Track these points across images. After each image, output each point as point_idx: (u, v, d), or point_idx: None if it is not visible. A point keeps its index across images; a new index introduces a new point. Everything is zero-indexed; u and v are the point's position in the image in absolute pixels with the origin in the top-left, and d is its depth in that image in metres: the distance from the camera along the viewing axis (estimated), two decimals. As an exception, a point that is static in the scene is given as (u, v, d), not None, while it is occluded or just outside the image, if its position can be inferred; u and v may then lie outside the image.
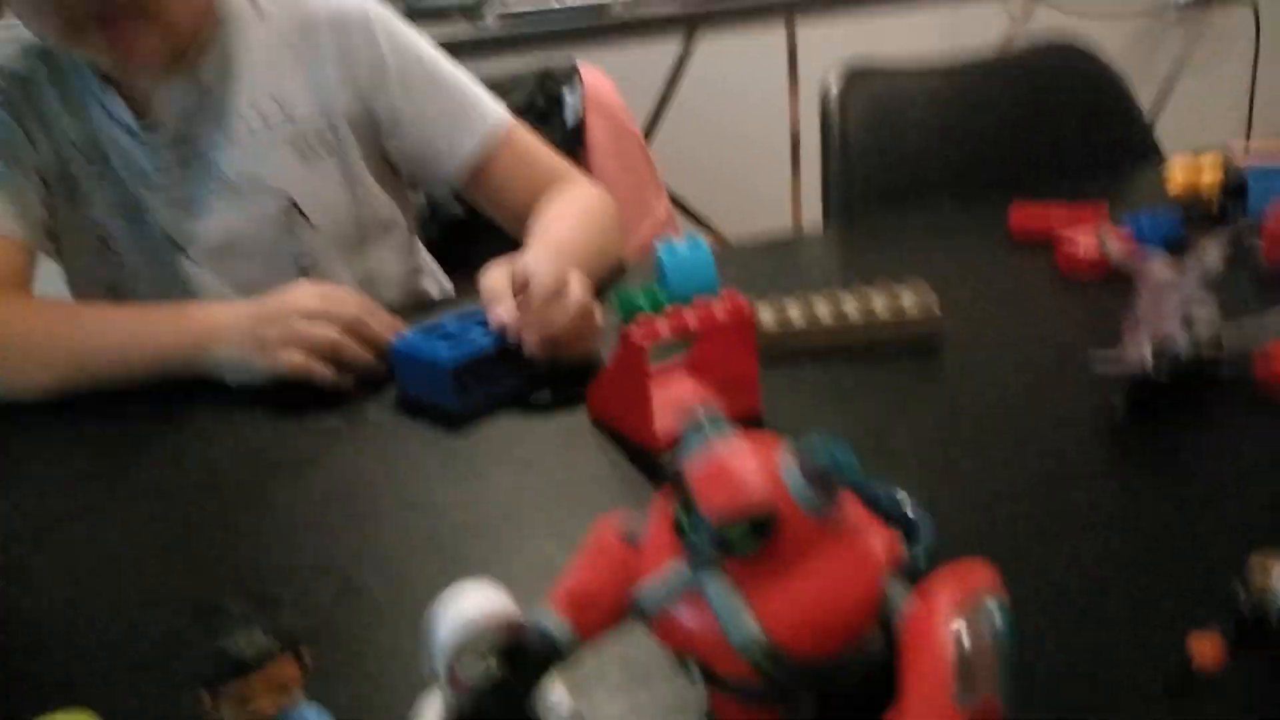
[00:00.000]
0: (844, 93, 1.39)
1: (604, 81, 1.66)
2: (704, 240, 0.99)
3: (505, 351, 0.82)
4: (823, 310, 0.89)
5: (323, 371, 0.85)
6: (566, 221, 1.04)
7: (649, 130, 2.09)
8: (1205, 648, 0.34)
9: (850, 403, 0.79)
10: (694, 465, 0.35)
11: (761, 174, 2.01)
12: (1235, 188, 1.05)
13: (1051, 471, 0.66)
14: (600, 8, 2.01)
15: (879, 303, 0.90)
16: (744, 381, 0.77)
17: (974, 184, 1.34)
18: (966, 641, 0.31)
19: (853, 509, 0.36)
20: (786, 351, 0.86)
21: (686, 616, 0.34)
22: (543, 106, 1.64)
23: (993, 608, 0.33)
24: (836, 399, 0.80)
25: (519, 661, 0.38)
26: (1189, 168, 1.14)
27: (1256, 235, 0.95)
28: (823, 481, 0.34)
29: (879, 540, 0.35)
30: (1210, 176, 1.09)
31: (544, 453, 0.75)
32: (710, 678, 0.36)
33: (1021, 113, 1.45)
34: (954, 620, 0.32)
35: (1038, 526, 0.59)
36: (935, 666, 0.31)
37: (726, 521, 0.33)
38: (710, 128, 2.07)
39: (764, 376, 0.76)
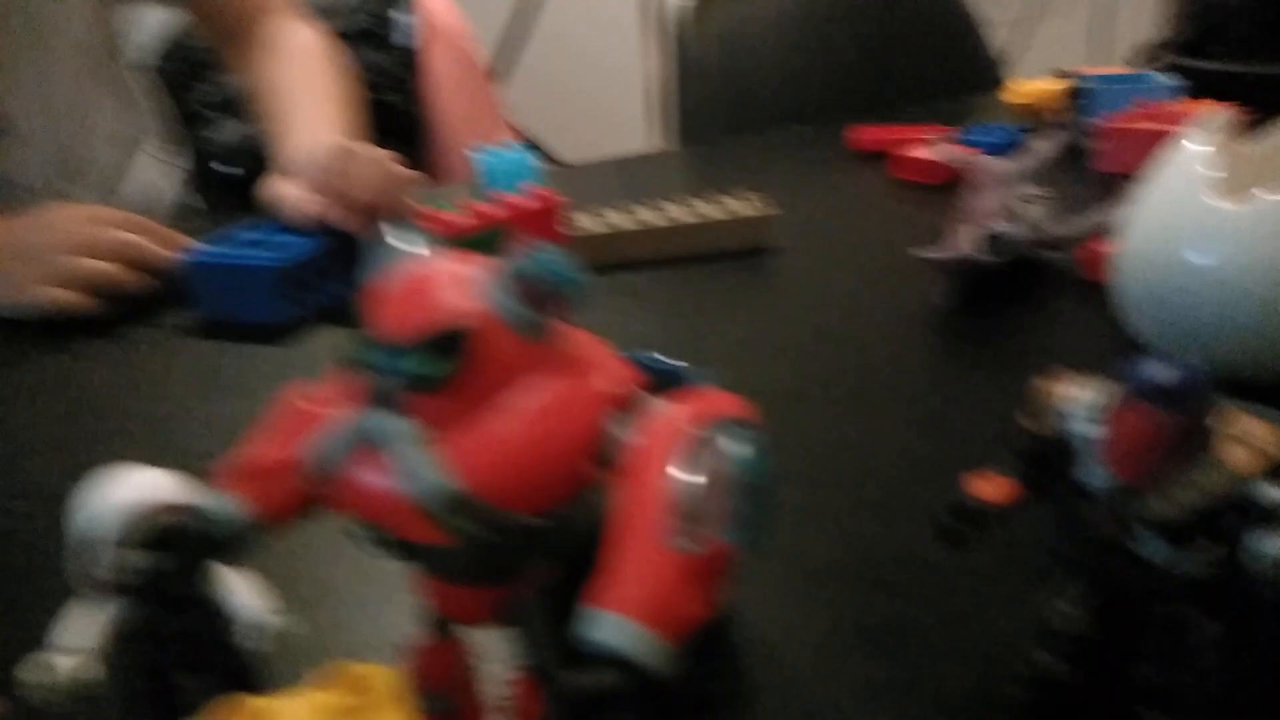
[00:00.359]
0: (693, 14, 1.33)
1: (446, 9, 1.56)
2: (530, 156, 0.92)
3: (330, 253, 0.75)
4: (647, 215, 0.83)
5: (90, 304, 0.75)
6: (315, 93, 0.96)
7: (501, 64, 1.99)
8: (988, 486, 0.29)
9: (676, 308, 0.74)
10: (374, 284, 0.28)
11: (618, 108, 1.94)
12: (1077, 99, 1.04)
13: (877, 362, 0.62)
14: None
15: (709, 208, 0.84)
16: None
17: (822, 107, 1.30)
18: (690, 475, 0.25)
19: (578, 337, 0.29)
20: (615, 258, 0.80)
21: (361, 472, 0.27)
22: (370, 27, 1.53)
23: (729, 439, 0.27)
24: (662, 305, 0.75)
25: (181, 550, 0.30)
26: (1031, 86, 1.13)
27: (1090, 138, 0.94)
28: (534, 295, 0.27)
29: (606, 372, 0.29)
30: (1051, 91, 1.08)
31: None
32: (411, 553, 0.29)
33: (870, 39, 1.42)
34: (676, 452, 0.26)
35: (864, 412, 0.56)
36: (645, 505, 0.25)
37: (404, 342, 0.26)
38: (565, 60, 1.99)
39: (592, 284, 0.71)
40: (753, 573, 0.44)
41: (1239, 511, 0.25)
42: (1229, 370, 0.40)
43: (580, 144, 1.93)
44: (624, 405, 0.28)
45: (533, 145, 1.70)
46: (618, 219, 0.83)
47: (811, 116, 1.25)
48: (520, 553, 0.28)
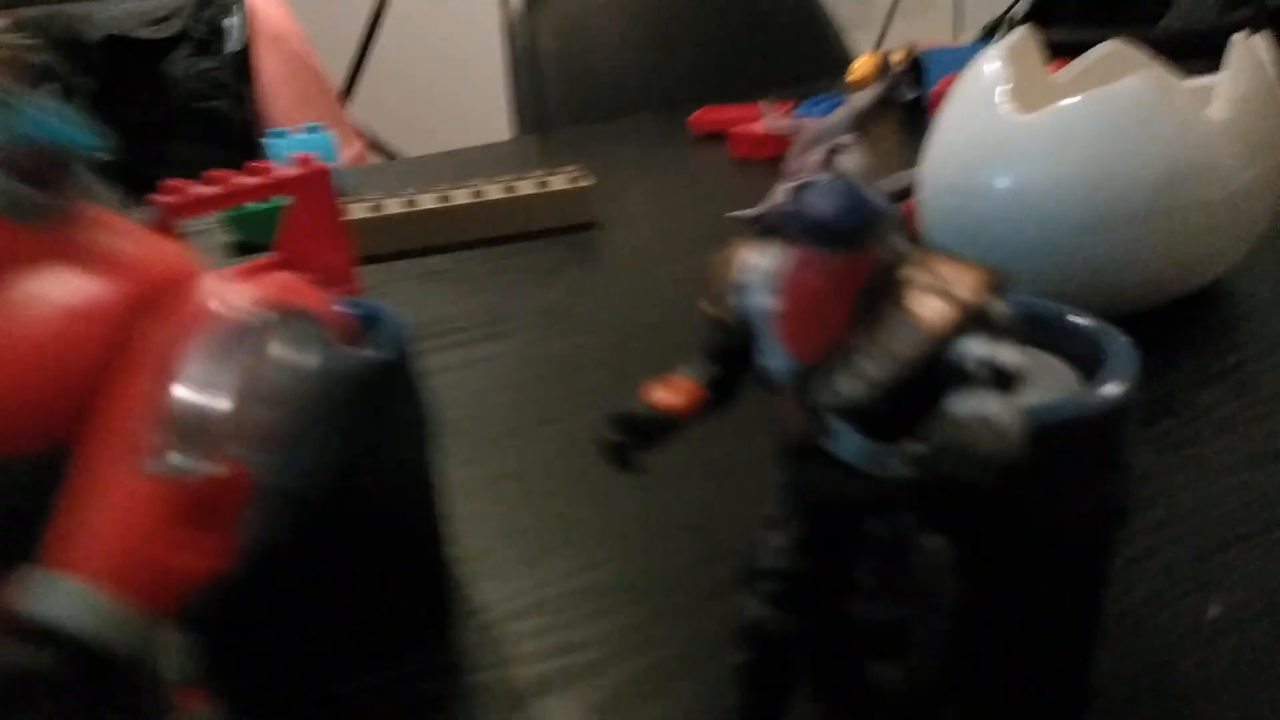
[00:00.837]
0: (528, 5, 1.28)
1: (277, 12, 1.48)
2: (323, 127, 0.85)
3: None
4: (457, 196, 0.77)
5: None
6: None
7: (358, 65, 1.91)
8: (664, 391, 0.23)
9: (481, 285, 0.68)
10: None
11: (477, 105, 1.87)
12: (913, 68, 1.02)
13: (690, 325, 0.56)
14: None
15: (526, 186, 0.78)
16: (339, 272, 0.63)
17: (668, 98, 1.26)
18: (200, 373, 0.18)
19: (115, 224, 0.22)
20: (423, 241, 0.74)
21: None
22: (203, 35, 1.44)
23: (289, 336, 0.20)
24: (467, 283, 0.68)
25: None
26: (869, 61, 1.10)
27: (920, 98, 0.92)
28: (34, 167, 0.20)
29: (144, 266, 0.22)
30: (876, 61, 1.06)
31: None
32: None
33: (718, 30, 1.38)
34: (192, 343, 0.19)
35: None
36: (122, 413, 0.18)
37: None
38: (422, 59, 1.92)
39: (392, 269, 0.70)
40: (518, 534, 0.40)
41: (941, 382, 0.19)
42: (1041, 288, 0.35)
43: (440, 143, 1.85)
44: (163, 306, 0.21)
45: (379, 145, 1.62)
46: (424, 200, 0.76)
47: (656, 107, 1.20)
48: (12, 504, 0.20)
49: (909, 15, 2.38)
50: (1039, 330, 0.28)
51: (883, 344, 0.20)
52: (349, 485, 0.31)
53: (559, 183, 0.78)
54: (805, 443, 0.21)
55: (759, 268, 0.22)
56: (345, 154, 1.46)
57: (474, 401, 0.50)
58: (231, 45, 1.43)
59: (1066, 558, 0.24)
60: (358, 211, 0.75)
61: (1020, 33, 0.53)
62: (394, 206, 0.75)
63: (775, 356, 0.21)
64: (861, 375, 0.20)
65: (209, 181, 0.58)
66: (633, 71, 1.33)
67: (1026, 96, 0.50)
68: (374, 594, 0.33)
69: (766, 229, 0.19)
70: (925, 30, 2.33)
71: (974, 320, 0.19)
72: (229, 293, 0.20)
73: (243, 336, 0.19)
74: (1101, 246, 0.46)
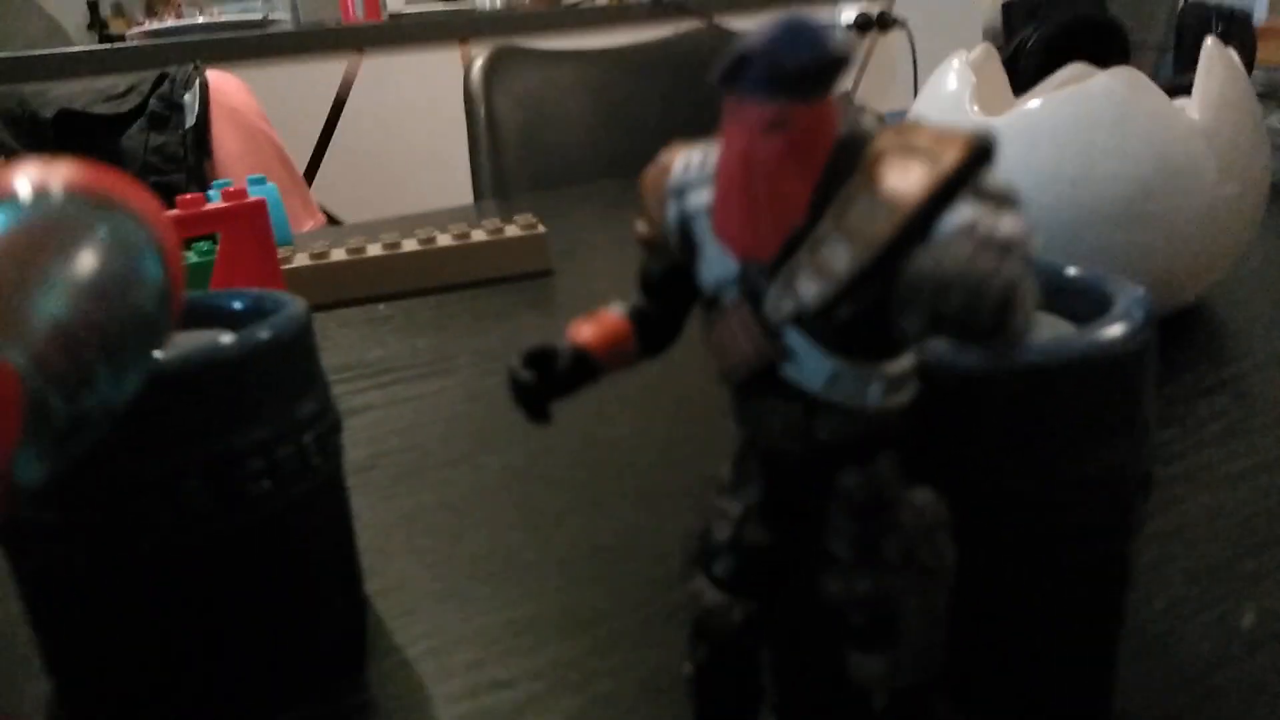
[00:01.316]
0: (489, 74, 1.27)
1: (233, 88, 1.47)
2: (274, 186, 0.82)
3: None
4: (408, 244, 0.73)
5: None
6: None
7: (321, 146, 1.90)
8: (588, 327, 0.19)
9: (426, 329, 0.63)
10: None
11: (439, 187, 1.85)
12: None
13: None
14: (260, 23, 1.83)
15: (479, 233, 0.75)
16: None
17: (623, 166, 1.24)
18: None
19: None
20: (372, 288, 0.70)
21: None
22: (160, 110, 1.42)
23: (87, 227, 0.16)
24: (412, 328, 0.63)
25: None
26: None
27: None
28: None
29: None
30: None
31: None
32: None
33: (670, 98, 1.38)
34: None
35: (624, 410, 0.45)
36: None
37: None
38: (389, 142, 1.91)
39: (336, 315, 0.68)
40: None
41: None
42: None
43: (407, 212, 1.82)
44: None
45: (338, 221, 1.59)
46: (371, 248, 0.73)
47: (614, 173, 1.19)
48: None
49: (869, 90, 2.43)
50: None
51: (851, 228, 0.16)
52: (254, 508, 0.26)
53: (513, 230, 0.75)
54: (759, 372, 0.17)
55: (697, 163, 0.18)
56: (306, 227, 1.43)
57: (405, 436, 0.45)
58: (189, 120, 1.41)
59: (1082, 526, 0.20)
60: (302, 259, 0.71)
61: (981, 48, 0.51)
62: (340, 254, 0.72)
63: (719, 263, 0.17)
64: (826, 270, 0.16)
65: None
66: (590, 143, 1.32)
67: (991, 108, 0.47)
68: (283, 629, 0.28)
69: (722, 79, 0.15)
70: (886, 105, 2.37)
71: (960, 189, 0.15)
72: (40, 171, 0.16)
73: (42, 218, 0.15)
74: (1080, 254, 0.43)
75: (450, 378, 0.53)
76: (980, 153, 0.15)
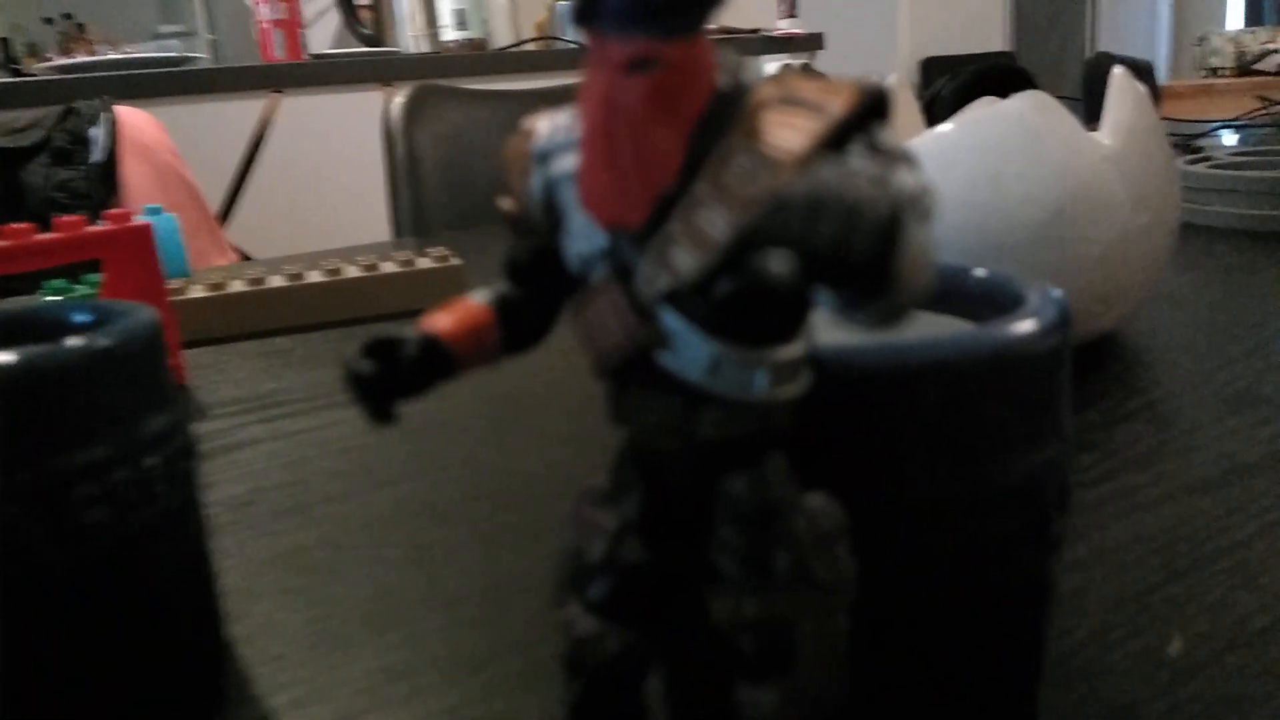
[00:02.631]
0: (410, 112, 1.25)
1: (144, 123, 1.43)
2: (173, 216, 0.78)
3: None
4: (315, 275, 0.70)
5: None
6: None
7: (239, 182, 1.84)
8: (443, 316, 0.16)
9: (326, 361, 0.59)
10: None
11: (361, 229, 1.82)
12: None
13: (544, 386, 0.50)
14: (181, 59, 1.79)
15: (389, 265, 0.72)
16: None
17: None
18: None
19: None
20: (275, 321, 0.67)
21: None
22: (64, 144, 1.37)
23: None
24: (312, 361, 0.60)
25: None
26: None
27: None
28: None
29: None
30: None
31: None
32: None
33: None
34: None
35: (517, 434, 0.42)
36: None
37: None
38: (307, 183, 1.87)
39: (231, 348, 0.64)
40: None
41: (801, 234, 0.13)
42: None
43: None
44: None
45: (247, 256, 1.55)
46: (272, 279, 0.69)
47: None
48: None
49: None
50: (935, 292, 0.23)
51: (728, 189, 0.14)
52: (87, 541, 0.23)
53: (426, 263, 0.72)
54: (632, 360, 0.15)
55: (564, 126, 0.16)
56: (217, 263, 1.38)
57: (290, 470, 0.42)
58: (96, 155, 1.36)
59: (997, 541, 0.18)
60: (197, 291, 0.67)
61: (894, 77, 0.50)
62: (238, 285, 0.68)
63: (585, 235, 0.15)
64: (702, 238, 0.14)
65: (4, 236, 0.50)
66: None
67: (903, 135, 0.47)
68: (124, 678, 0.25)
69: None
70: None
71: (849, 144, 0.13)
72: None
73: None
74: (997, 278, 0.42)
75: (346, 410, 0.50)
76: (871, 102, 0.13)
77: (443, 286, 0.71)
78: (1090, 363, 0.47)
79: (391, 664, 0.28)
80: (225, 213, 1.83)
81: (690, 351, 0.15)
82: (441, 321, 0.16)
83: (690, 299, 0.14)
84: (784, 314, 0.14)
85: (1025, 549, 0.19)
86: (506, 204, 0.17)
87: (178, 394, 0.28)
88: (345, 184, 1.87)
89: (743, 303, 0.14)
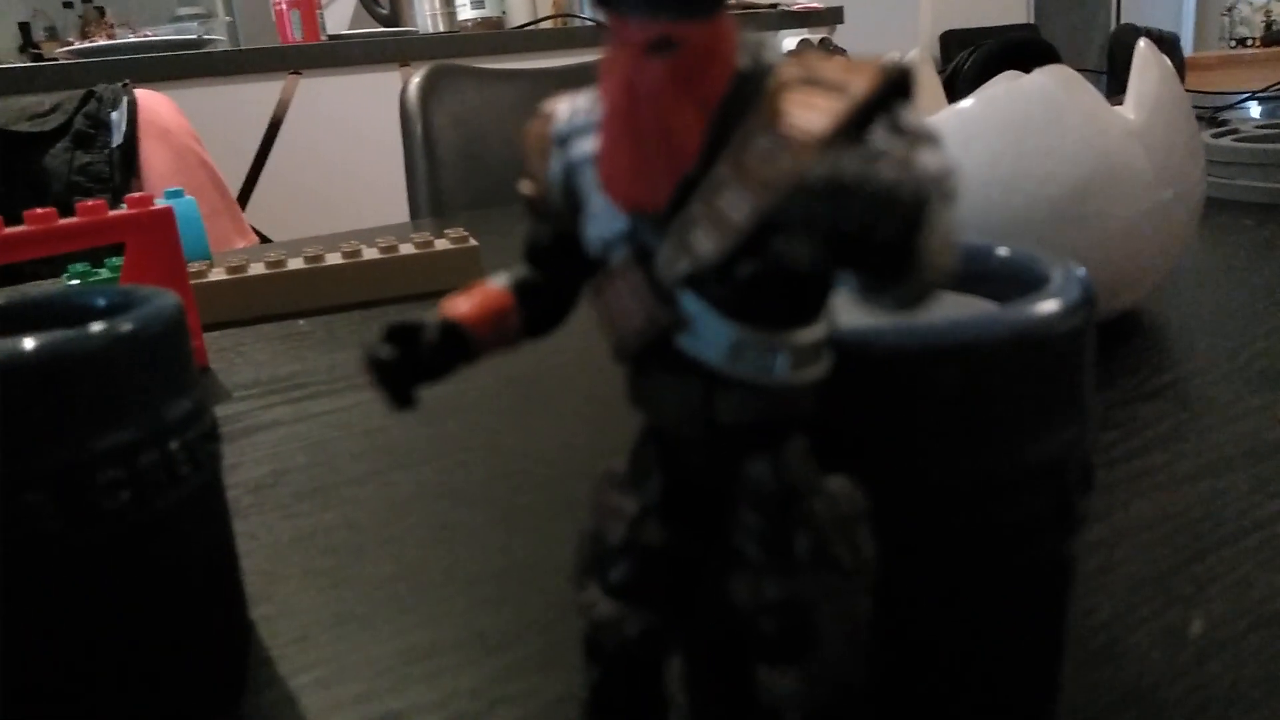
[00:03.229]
0: (426, 92, 1.25)
1: (164, 107, 1.44)
2: (193, 200, 0.78)
3: None
4: (334, 257, 0.70)
5: None
6: None
7: (258, 165, 1.85)
8: (463, 301, 0.16)
9: (346, 343, 0.60)
10: None
11: (379, 210, 1.82)
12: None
13: (570, 369, 0.50)
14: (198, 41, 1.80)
15: (408, 247, 0.72)
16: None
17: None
18: None
19: None
20: (295, 304, 0.67)
21: None
22: (85, 129, 1.38)
23: None
24: (332, 343, 0.60)
25: None
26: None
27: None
28: None
29: None
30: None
31: None
32: None
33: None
34: None
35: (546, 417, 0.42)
36: None
37: None
38: (326, 164, 1.87)
39: (251, 330, 0.64)
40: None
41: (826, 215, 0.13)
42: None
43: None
44: None
45: (266, 239, 1.55)
46: (292, 261, 0.70)
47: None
48: None
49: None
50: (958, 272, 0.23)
51: (750, 171, 0.14)
52: (111, 524, 0.23)
53: (443, 244, 0.72)
54: (653, 344, 0.15)
55: (584, 108, 0.16)
56: (237, 247, 1.39)
57: (312, 452, 0.42)
58: (116, 139, 1.37)
59: (1019, 521, 0.18)
60: (218, 274, 0.68)
61: (916, 51, 0.49)
62: (259, 269, 0.69)
63: (605, 219, 0.15)
64: (723, 221, 0.14)
65: (28, 221, 0.51)
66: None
67: (925, 110, 0.46)
68: (148, 659, 0.25)
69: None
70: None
71: (872, 123, 0.13)
72: None
73: None
74: (1019, 256, 0.42)
75: (367, 393, 0.50)
76: (895, 82, 0.13)
77: (461, 267, 0.71)
78: (1112, 340, 0.46)
79: (414, 644, 0.28)
80: (244, 195, 1.83)
81: (710, 334, 0.15)
82: (462, 306, 0.16)
83: (711, 282, 0.14)
84: (806, 296, 0.14)
85: (1048, 530, 0.19)
86: (526, 188, 0.17)
87: (200, 377, 0.28)
88: (363, 165, 1.88)
89: (765, 285, 0.14)
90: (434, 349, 0.16)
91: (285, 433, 0.45)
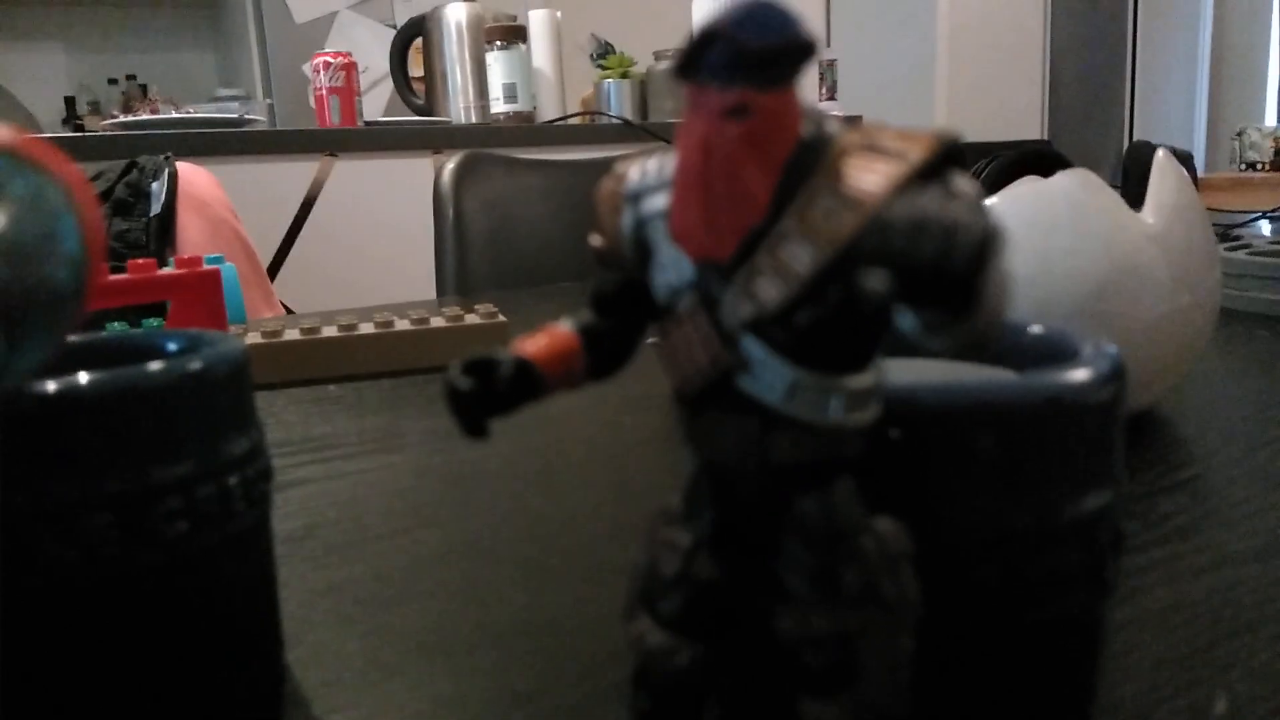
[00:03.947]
0: (460, 177, 1.29)
1: (203, 180, 1.48)
2: (233, 266, 0.81)
3: None
4: (367, 326, 0.72)
5: None
6: None
7: (290, 240, 1.89)
8: (533, 341, 0.18)
9: (376, 409, 0.61)
10: None
11: (406, 290, 1.85)
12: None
13: (602, 442, 0.51)
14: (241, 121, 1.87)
15: (438, 320, 0.74)
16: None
17: (587, 272, 1.26)
18: None
19: None
20: (328, 370, 0.69)
21: None
22: (125, 197, 1.42)
23: None
24: (362, 408, 0.61)
25: None
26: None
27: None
28: None
29: None
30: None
31: None
32: None
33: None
34: None
35: (574, 487, 0.43)
36: None
37: None
38: (355, 243, 1.92)
39: (284, 394, 0.65)
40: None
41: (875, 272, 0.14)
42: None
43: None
44: None
45: (292, 312, 1.58)
46: (326, 329, 0.71)
47: (576, 277, 1.20)
48: None
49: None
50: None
51: (813, 226, 0.15)
52: (168, 551, 0.24)
53: (473, 319, 0.74)
54: (714, 384, 0.16)
55: (654, 169, 0.17)
56: (265, 316, 1.41)
57: (342, 509, 0.43)
58: (154, 208, 1.41)
59: (1055, 578, 0.19)
60: (254, 337, 0.70)
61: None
62: (293, 334, 0.70)
63: (674, 267, 0.17)
64: (787, 271, 0.15)
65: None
66: (554, 248, 1.34)
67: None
68: (191, 687, 0.26)
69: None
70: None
71: (926, 187, 0.15)
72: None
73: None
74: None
75: (397, 455, 0.51)
76: (949, 150, 0.15)
77: (489, 342, 0.72)
78: (1131, 436, 0.47)
79: (443, 693, 0.29)
80: (274, 268, 1.87)
81: (769, 377, 0.16)
82: (533, 346, 0.18)
83: (772, 327, 0.15)
84: (860, 343, 0.15)
85: (1080, 589, 0.20)
86: (596, 240, 0.18)
87: (258, 418, 0.29)
88: (391, 245, 1.92)
89: (823, 331, 0.15)
90: (507, 383, 0.17)
91: (315, 489, 0.46)
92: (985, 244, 0.12)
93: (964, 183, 0.14)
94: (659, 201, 0.17)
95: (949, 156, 0.15)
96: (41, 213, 0.14)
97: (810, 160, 0.15)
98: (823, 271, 0.15)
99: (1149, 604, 0.31)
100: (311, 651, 0.31)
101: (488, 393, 0.17)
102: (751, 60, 0.14)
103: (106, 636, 0.24)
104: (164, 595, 0.25)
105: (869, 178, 0.15)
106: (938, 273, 0.13)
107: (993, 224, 0.13)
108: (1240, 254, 0.78)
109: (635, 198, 0.17)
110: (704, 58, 0.15)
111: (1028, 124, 3.58)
